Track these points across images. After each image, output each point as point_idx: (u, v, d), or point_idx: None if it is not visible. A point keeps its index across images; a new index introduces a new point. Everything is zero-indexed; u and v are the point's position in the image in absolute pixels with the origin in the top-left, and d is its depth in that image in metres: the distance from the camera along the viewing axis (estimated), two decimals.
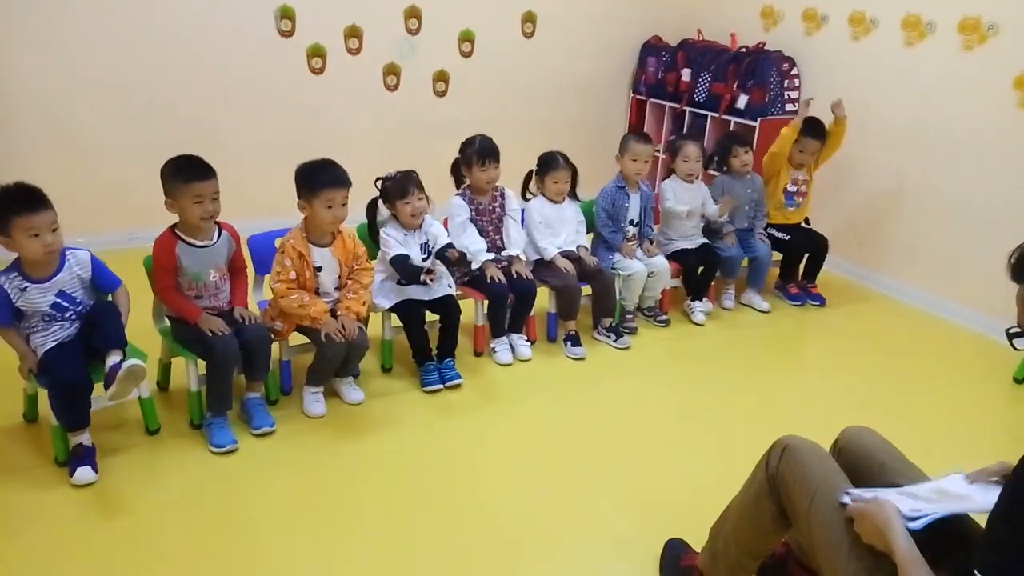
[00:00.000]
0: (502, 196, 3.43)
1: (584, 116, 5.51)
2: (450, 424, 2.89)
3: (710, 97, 5.02)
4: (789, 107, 4.78)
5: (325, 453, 2.66)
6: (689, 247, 3.90)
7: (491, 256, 3.34)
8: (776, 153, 4.07)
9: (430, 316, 3.23)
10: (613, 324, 3.62)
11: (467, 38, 4.94)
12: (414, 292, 3.10)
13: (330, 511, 2.37)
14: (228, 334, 2.59)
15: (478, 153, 3.27)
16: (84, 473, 2.37)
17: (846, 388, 3.25)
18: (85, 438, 2.44)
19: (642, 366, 3.45)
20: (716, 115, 4.96)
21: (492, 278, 3.26)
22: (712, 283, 3.95)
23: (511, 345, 3.40)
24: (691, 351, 3.63)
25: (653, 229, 3.88)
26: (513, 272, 3.35)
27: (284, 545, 2.21)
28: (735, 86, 4.84)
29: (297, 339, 2.93)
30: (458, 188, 3.41)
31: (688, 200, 3.88)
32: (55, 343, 2.43)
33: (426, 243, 3.11)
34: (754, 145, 4.37)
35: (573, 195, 3.62)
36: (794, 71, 4.77)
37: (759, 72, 4.71)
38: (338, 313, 2.80)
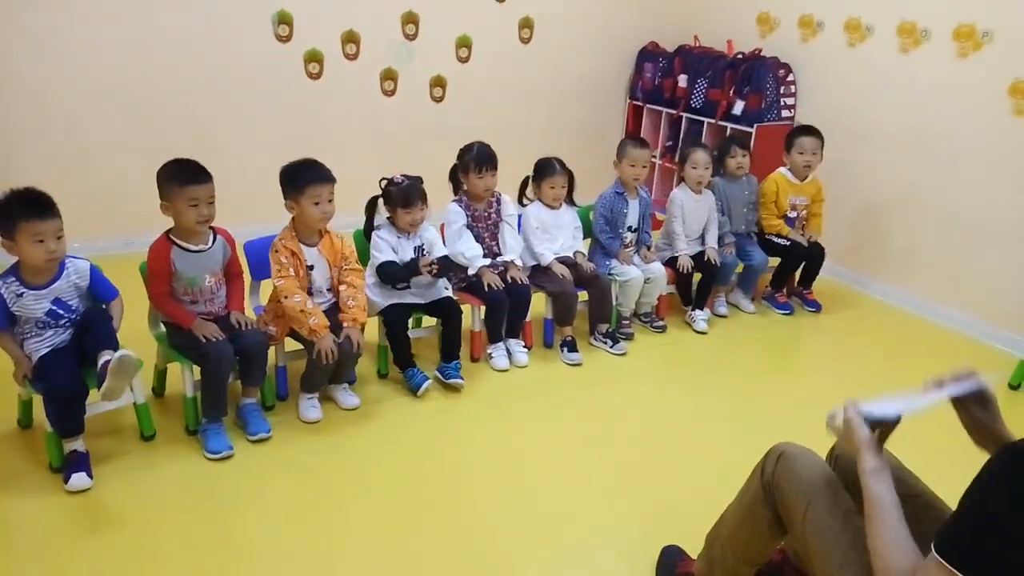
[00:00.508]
0: (498, 202, 3.43)
1: (581, 122, 5.52)
2: (447, 429, 2.89)
3: (706, 103, 5.03)
4: (785, 113, 4.79)
5: (321, 458, 2.65)
6: (686, 253, 3.90)
7: (487, 262, 3.34)
8: (764, 204, 4.10)
9: (428, 320, 3.23)
10: (610, 330, 3.62)
11: (464, 43, 4.95)
12: (410, 295, 3.10)
13: (326, 517, 2.36)
14: (223, 340, 2.58)
15: (476, 160, 3.27)
16: (79, 479, 2.36)
17: (843, 394, 3.19)
18: (79, 444, 2.43)
19: (638, 372, 3.45)
20: (712, 121, 4.97)
21: (489, 285, 3.26)
22: (698, 286, 3.93)
23: (508, 351, 3.40)
24: (688, 357, 3.63)
25: (651, 235, 3.88)
26: (509, 277, 3.36)
27: (280, 551, 2.20)
28: (731, 92, 4.85)
29: (292, 344, 2.92)
30: (456, 193, 3.41)
31: (695, 214, 3.87)
32: (49, 349, 2.42)
33: (420, 247, 3.11)
34: (751, 151, 4.37)
35: (570, 201, 3.62)
36: (790, 77, 4.78)
37: (755, 78, 4.73)
38: (344, 324, 2.78)
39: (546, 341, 3.58)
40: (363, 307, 2.87)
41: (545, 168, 3.53)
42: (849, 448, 1.54)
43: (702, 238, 3.96)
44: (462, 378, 3.11)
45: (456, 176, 3.39)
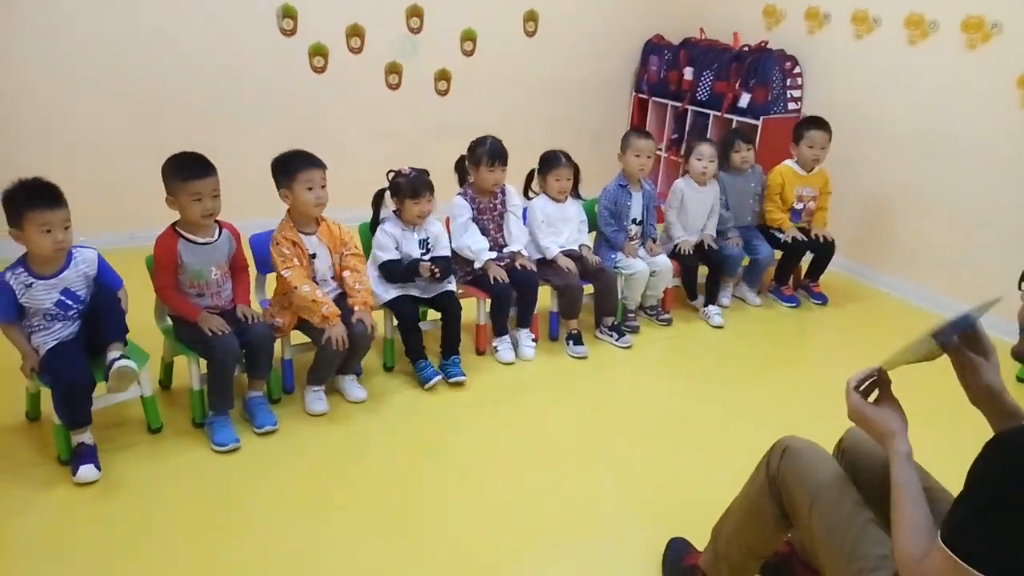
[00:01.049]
0: (503, 193, 3.43)
1: (586, 115, 5.50)
2: (453, 422, 2.89)
3: (712, 96, 5.01)
4: (791, 106, 4.77)
5: (327, 451, 2.66)
6: (685, 239, 3.88)
7: (493, 255, 3.34)
8: (768, 196, 4.08)
9: (432, 314, 3.23)
10: (615, 323, 3.61)
11: (469, 37, 4.94)
12: (413, 288, 3.10)
13: (333, 509, 2.36)
14: (229, 333, 2.59)
15: (489, 154, 3.27)
16: (86, 471, 2.37)
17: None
18: (87, 436, 2.44)
19: (644, 365, 3.45)
20: (719, 114, 4.95)
21: (494, 278, 3.26)
22: (707, 281, 3.94)
23: (516, 343, 3.40)
24: (694, 350, 3.62)
25: (656, 228, 3.87)
26: (517, 265, 3.36)
27: (286, 543, 2.21)
28: (737, 85, 4.83)
29: (299, 337, 2.93)
30: (461, 185, 3.41)
31: (697, 205, 3.86)
32: (56, 341, 2.43)
33: (425, 239, 3.11)
34: (756, 144, 4.36)
35: (576, 194, 3.61)
36: (796, 70, 4.76)
37: (761, 71, 4.71)
38: (355, 308, 2.80)
39: (552, 334, 3.57)
40: (370, 290, 2.90)
41: (551, 161, 3.53)
42: (872, 433, 1.53)
43: (704, 230, 3.96)
44: (464, 374, 3.12)
45: (463, 168, 3.39)
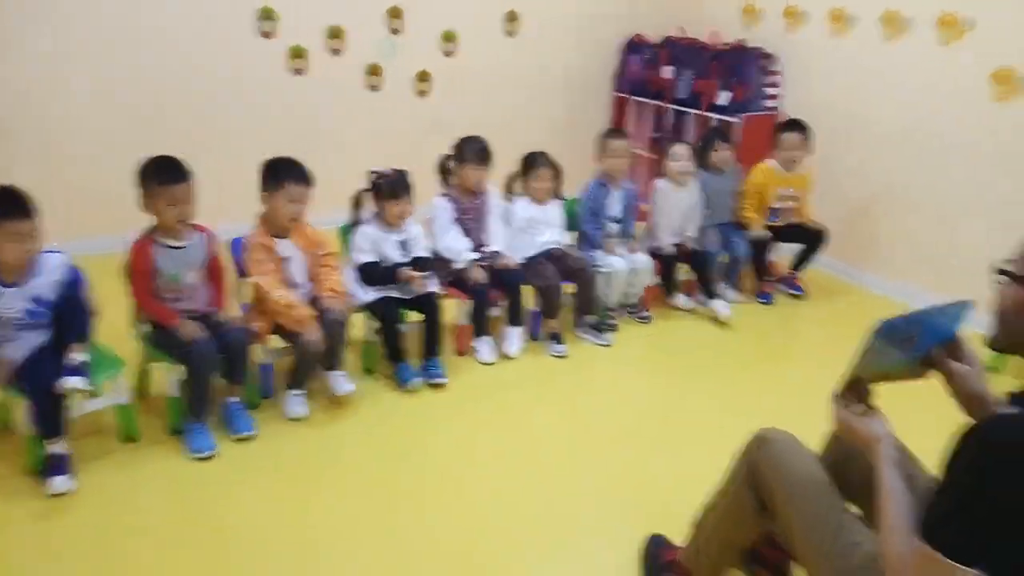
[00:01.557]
0: (484, 194, 3.43)
1: (567, 115, 5.50)
2: (433, 423, 2.88)
3: (692, 94, 5.03)
4: (770, 103, 4.79)
5: (306, 456, 2.65)
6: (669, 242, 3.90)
7: (475, 256, 3.34)
8: (746, 193, 4.08)
9: (413, 316, 3.22)
10: (596, 321, 3.61)
11: (449, 38, 4.93)
12: (394, 289, 3.09)
13: (312, 514, 2.35)
14: (206, 339, 2.57)
15: (477, 154, 3.29)
16: (60, 482, 2.34)
17: (830, 381, 3.24)
18: (61, 446, 2.40)
19: (624, 363, 3.45)
20: (699, 112, 4.97)
21: (475, 280, 3.25)
22: (697, 279, 3.96)
23: (505, 338, 3.39)
24: (673, 347, 3.64)
25: (635, 226, 3.87)
26: (501, 265, 3.35)
27: (265, 549, 2.19)
28: (717, 83, 4.85)
29: (277, 342, 2.91)
30: (444, 185, 3.41)
31: (677, 206, 3.87)
32: (29, 350, 2.40)
33: (405, 242, 3.11)
34: (736, 142, 4.37)
35: (558, 195, 3.61)
36: (775, 68, 4.78)
37: (741, 69, 4.72)
38: (323, 295, 2.81)
39: (533, 334, 3.57)
40: (340, 280, 2.91)
41: (533, 163, 3.53)
42: (857, 441, 1.54)
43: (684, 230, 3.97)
44: (444, 376, 3.11)
45: (445, 167, 3.38)
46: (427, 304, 3.13)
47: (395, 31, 4.74)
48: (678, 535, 2.06)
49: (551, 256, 3.53)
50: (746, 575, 2.07)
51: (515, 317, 3.42)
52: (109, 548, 2.17)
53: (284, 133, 4.53)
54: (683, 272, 3.96)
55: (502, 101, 5.21)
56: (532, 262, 3.49)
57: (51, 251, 2.47)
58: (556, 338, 3.47)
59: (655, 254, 3.83)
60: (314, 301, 2.85)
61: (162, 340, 2.65)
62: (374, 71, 4.77)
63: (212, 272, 2.77)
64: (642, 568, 2.15)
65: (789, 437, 1.76)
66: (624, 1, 5.44)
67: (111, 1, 3.97)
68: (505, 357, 3.37)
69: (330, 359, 2.92)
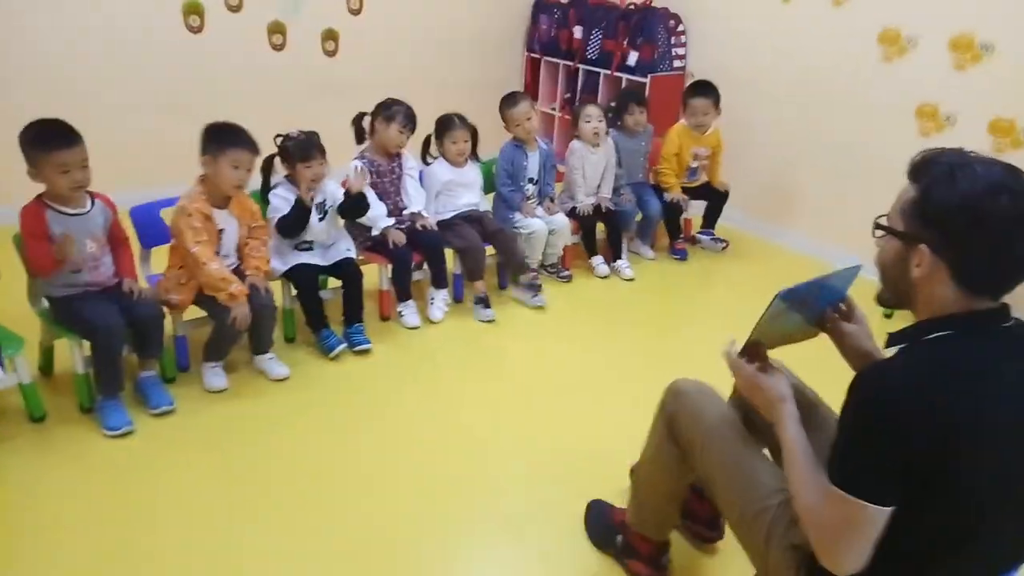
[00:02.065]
0: (399, 156, 3.38)
1: (479, 75, 5.45)
2: (359, 391, 2.86)
3: (602, 54, 5.08)
4: (677, 63, 4.90)
5: (228, 429, 2.58)
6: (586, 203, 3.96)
7: (391, 221, 3.30)
8: (665, 156, 4.16)
9: (333, 282, 3.17)
10: (528, 281, 3.60)
11: None
12: (313, 256, 3.03)
13: (236, 488, 2.30)
14: (112, 311, 2.44)
15: (404, 115, 3.25)
16: None
17: (745, 330, 3.40)
18: None
19: (550, 323, 3.50)
20: (608, 72, 5.03)
21: (394, 243, 3.22)
22: (608, 239, 4.04)
23: (429, 304, 3.38)
24: (597, 305, 3.72)
25: (553, 187, 3.91)
26: (418, 226, 3.33)
27: (189, 526, 2.13)
28: (625, 43, 4.91)
29: (191, 312, 2.80)
30: (358, 141, 3.33)
31: (593, 166, 3.92)
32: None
33: (323, 203, 3.03)
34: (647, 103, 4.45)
35: (474, 156, 3.60)
36: (680, 28, 4.88)
37: (647, 29, 4.80)
38: (247, 273, 2.72)
39: (456, 297, 3.58)
40: (266, 258, 2.84)
41: (447, 124, 3.49)
42: (760, 400, 1.57)
43: (599, 189, 4.04)
44: (369, 341, 3.08)
45: (360, 125, 3.30)
46: (347, 269, 3.08)
47: None
48: (617, 497, 2.10)
49: (469, 218, 3.53)
50: (680, 531, 2.13)
51: (438, 279, 3.41)
52: (25, 534, 2.07)
53: (181, 95, 4.30)
54: (600, 231, 4.04)
55: (411, 60, 5.12)
56: (451, 223, 3.48)
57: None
58: (483, 302, 3.46)
59: (572, 214, 3.89)
60: (238, 274, 2.74)
61: (64, 315, 2.51)
62: (277, 29, 4.57)
63: (115, 241, 2.62)
64: (588, 534, 2.15)
65: (701, 385, 1.82)
66: None
67: None
68: (430, 322, 3.37)
69: (261, 343, 2.85)
